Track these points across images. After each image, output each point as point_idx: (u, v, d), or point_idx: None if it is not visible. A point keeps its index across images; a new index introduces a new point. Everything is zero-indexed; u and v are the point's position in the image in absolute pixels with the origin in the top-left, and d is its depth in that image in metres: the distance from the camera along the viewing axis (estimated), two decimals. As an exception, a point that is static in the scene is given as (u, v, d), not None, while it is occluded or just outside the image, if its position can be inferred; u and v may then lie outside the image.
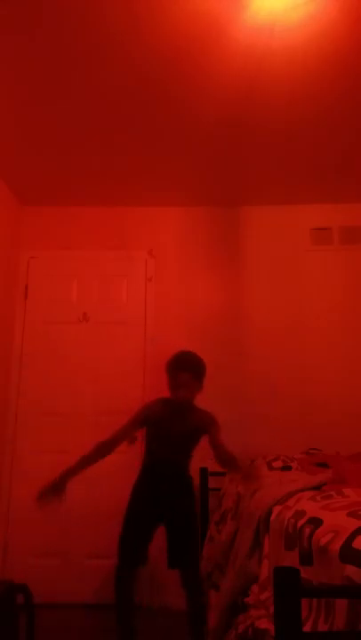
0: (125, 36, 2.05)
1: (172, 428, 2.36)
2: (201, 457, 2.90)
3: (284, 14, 1.94)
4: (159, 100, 2.47)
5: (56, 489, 2.26)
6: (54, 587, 2.95)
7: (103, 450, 2.36)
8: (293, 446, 2.72)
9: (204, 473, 2.95)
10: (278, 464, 2.34)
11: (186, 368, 2.34)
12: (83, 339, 3.36)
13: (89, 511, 3.07)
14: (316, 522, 1.18)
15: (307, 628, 1.02)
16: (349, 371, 3.26)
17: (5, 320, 3.30)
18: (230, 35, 2.04)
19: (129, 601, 2.27)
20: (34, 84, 2.34)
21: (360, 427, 3.01)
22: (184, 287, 3.45)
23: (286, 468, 2.30)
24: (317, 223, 3.50)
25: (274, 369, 3.26)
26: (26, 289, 3.45)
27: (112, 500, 3.09)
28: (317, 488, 1.64)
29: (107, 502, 3.08)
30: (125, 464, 3.13)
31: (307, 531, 1.18)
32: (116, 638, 2.22)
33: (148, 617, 2.77)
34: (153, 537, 2.35)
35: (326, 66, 2.22)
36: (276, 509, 1.54)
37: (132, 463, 3.13)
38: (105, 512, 3.06)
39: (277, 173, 3.17)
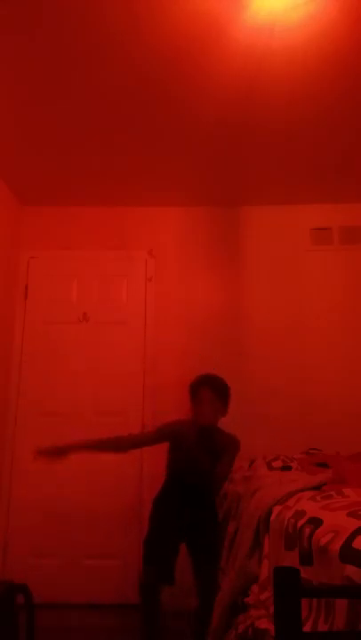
0: (125, 35, 2.05)
1: (197, 451, 2.32)
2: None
3: (284, 14, 1.94)
4: (159, 100, 2.47)
5: (59, 453, 2.27)
6: (54, 587, 2.95)
7: (120, 445, 2.38)
8: (293, 446, 2.71)
9: (204, 473, 2.95)
10: (278, 464, 2.33)
11: (207, 384, 2.34)
12: (83, 339, 3.36)
13: (89, 511, 3.07)
14: (316, 522, 1.18)
15: (307, 628, 1.02)
16: (349, 371, 3.25)
17: (5, 320, 3.30)
18: (230, 35, 2.04)
19: (156, 608, 2.22)
20: (34, 84, 2.34)
21: (360, 427, 3.01)
22: (184, 287, 3.45)
23: (286, 468, 2.30)
24: (317, 223, 3.50)
25: (274, 369, 3.26)
26: (26, 289, 3.45)
27: (112, 500, 3.10)
28: (317, 488, 1.64)
29: (107, 502, 3.09)
30: (125, 465, 3.14)
31: (307, 531, 1.18)
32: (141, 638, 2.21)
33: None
34: (178, 553, 2.29)
35: (326, 66, 2.22)
36: (276, 509, 1.54)
37: (131, 464, 3.15)
38: (105, 512, 3.07)
39: (277, 173, 3.17)
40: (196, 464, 2.31)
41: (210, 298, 3.43)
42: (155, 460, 2.74)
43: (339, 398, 3.16)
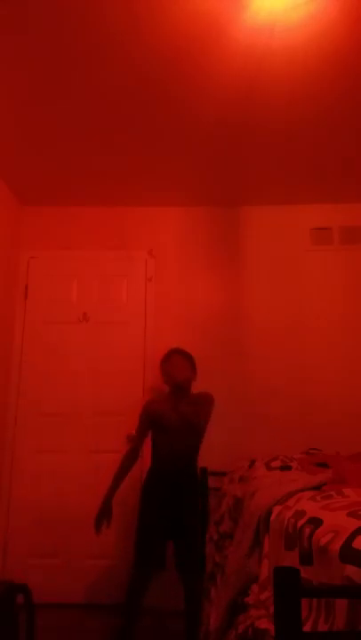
0: (125, 35, 2.05)
1: (174, 414, 2.49)
2: (201, 457, 2.90)
3: (284, 14, 1.94)
4: (159, 100, 2.47)
5: (105, 514, 2.46)
6: (54, 587, 2.95)
7: (131, 458, 2.56)
8: (293, 446, 2.71)
9: (203, 473, 2.95)
10: (277, 464, 2.33)
11: (177, 352, 2.64)
12: (83, 339, 3.36)
13: (88, 511, 3.07)
14: (316, 522, 1.18)
15: (307, 627, 1.02)
16: (349, 371, 3.25)
17: (5, 320, 3.30)
18: (230, 35, 2.03)
19: (139, 605, 2.33)
20: (34, 83, 2.34)
21: (360, 427, 3.01)
22: (184, 287, 3.45)
23: (285, 467, 2.29)
24: (317, 223, 3.50)
25: (274, 369, 3.26)
26: (26, 289, 3.45)
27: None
28: (317, 488, 1.64)
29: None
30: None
31: (307, 531, 1.18)
32: (117, 636, 2.25)
33: (147, 617, 2.77)
34: (168, 541, 2.42)
35: (326, 66, 2.22)
36: (276, 509, 1.54)
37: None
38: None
39: (277, 173, 3.17)
40: (174, 432, 2.47)
41: (210, 298, 3.43)
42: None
43: (339, 398, 3.17)
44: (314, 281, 3.42)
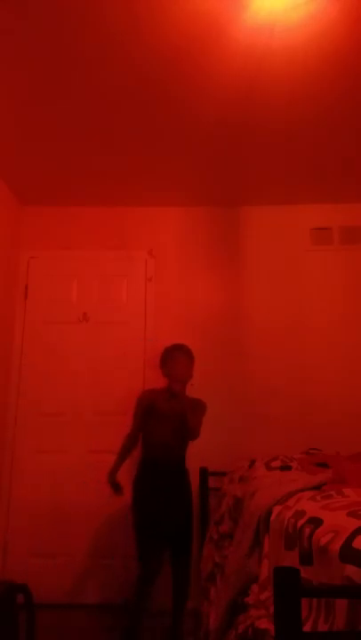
0: (125, 35, 2.05)
1: (169, 409, 2.55)
2: (201, 457, 2.91)
3: (284, 14, 1.94)
4: (159, 100, 2.47)
5: (115, 488, 2.58)
6: (54, 587, 2.95)
7: (132, 439, 2.66)
8: (293, 446, 2.71)
9: (204, 473, 2.95)
10: (277, 464, 2.33)
11: (181, 350, 2.69)
12: (83, 339, 3.36)
13: (89, 511, 3.08)
14: (316, 522, 1.18)
15: (307, 627, 1.02)
16: (349, 371, 3.25)
17: (5, 320, 3.30)
18: (230, 35, 2.03)
19: (147, 605, 2.36)
20: (34, 84, 2.34)
21: (360, 427, 3.01)
22: (184, 287, 3.45)
23: (285, 467, 2.29)
24: (317, 223, 3.50)
25: (274, 369, 3.26)
26: (26, 289, 3.45)
27: (112, 499, 3.09)
28: (317, 488, 1.64)
29: (106, 502, 3.08)
30: (124, 465, 3.13)
31: (307, 530, 1.18)
32: (124, 636, 2.28)
33: (147, 617, 2.77)
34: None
35: (326, 66, 2.22)
36: (276, 509, 1.54)
37: (128, 463, 3.14)
38: (105, 512, 3.06)
39: (277, 173, 3.17)
40: (168, 424, 2.53)
41: (210, 298, 3.43)
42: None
43: (339, 398, 3.16)
44: (314, 281, 3.42)
